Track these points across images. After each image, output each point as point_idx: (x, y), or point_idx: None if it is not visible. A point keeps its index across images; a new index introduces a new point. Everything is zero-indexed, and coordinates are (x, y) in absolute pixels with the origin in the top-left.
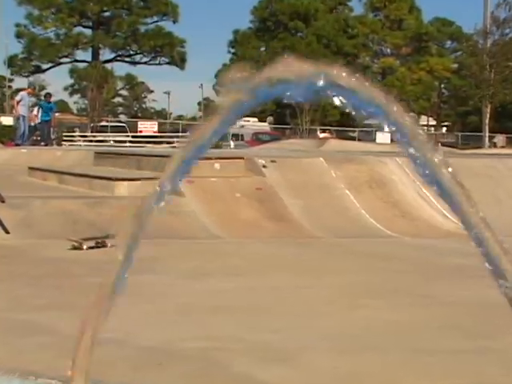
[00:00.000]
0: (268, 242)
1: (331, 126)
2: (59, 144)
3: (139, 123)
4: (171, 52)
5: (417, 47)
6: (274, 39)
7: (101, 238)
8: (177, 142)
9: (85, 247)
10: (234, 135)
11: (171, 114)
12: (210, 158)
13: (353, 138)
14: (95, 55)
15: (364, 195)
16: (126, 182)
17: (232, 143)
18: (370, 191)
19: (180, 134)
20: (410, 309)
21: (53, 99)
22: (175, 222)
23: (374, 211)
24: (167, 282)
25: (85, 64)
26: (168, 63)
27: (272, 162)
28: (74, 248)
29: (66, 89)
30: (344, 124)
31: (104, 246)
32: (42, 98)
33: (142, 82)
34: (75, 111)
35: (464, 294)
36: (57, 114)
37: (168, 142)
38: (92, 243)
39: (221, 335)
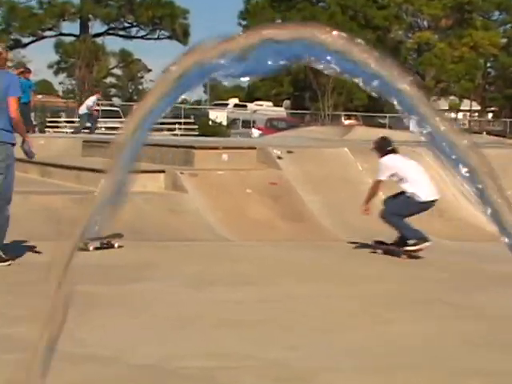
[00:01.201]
0: (282, 245)
1: (357, 111)
2: (42, 131)
3: (134, 107)
4: (172, 24)
5: (458, 19)
6: (292, 9)
7: (107, 237)
8: (179, 128)
9: (91, 248)
10: (244, 121)
11: None
12: (216, 148)
13: (383, 126)
14: (84, 28)
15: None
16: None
17: (255, 132)
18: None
19: (182, 120)
20: (447, 323)
21: (35, 78)
22: (176, 221)
23: None
24: (166, 290)
25: (72, 38)
26: (168, 37)
27: (288, 152)
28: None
29: (50, 67)
30: (372, 109)
31: (111, 246)
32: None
33: (139, 60)
34: (61, 93)
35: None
36: (39, 96)
37: (169, 130)
38: (97, 243)
39: (227, 352)
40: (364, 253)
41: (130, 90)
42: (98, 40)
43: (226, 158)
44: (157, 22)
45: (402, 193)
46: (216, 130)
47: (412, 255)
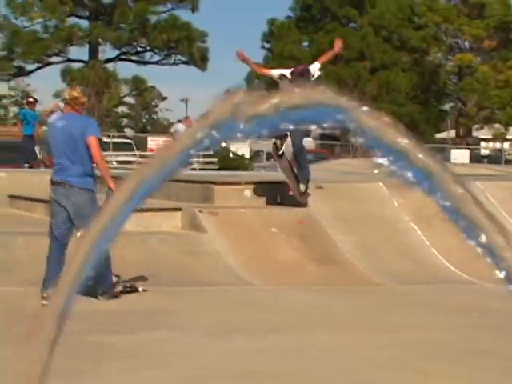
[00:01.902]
0: (312, 290)
1: None
2: (48, 165)
3: (149, 139)
4: (190, 48)
5: (503, 40)
6: (320, 31)
7: (130, 280)
8: (197, 162)
9: (119, 289)
10: (268, 153)
11: None
12: (238, 183)
13: None
14: (93, 53)
15: (435, 230)
16: (132, 214)
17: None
18: (442, 225)
19: (202, 153)
20: (494, 376)
21: (40, 108)
22: (194, 264)
23: (449, 250)
24: (184, 340)
25: (80, 64)
26: (185, 62)
27: (317, 188)
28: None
29: (56, 95)
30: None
31: (135, 290)
32: (25, 105)
33: (153, 87)
34: None
35: None
36: (45, 128)
37: None
38: (120, 287)
39: None
40: (402, 298)
41: (144, 120)
42: (109, 66)
43: (249, 195)
44: (172, 46)
45: None
46: (238, 163)
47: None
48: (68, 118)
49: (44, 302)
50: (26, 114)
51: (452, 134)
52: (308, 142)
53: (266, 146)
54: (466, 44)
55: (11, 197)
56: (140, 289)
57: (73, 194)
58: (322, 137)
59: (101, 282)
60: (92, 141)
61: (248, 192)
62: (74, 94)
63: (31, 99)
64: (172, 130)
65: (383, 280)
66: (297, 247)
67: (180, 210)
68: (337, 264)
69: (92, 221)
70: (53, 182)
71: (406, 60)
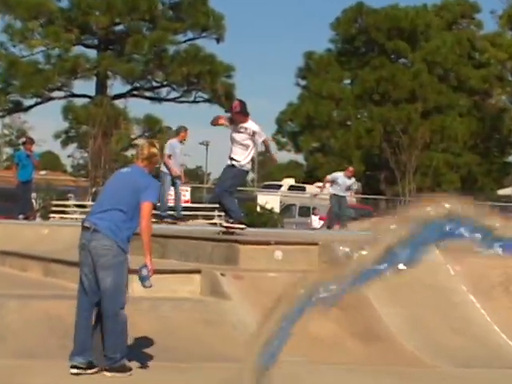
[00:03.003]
0: (352, 371)
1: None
2: (45, 217)
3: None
4: (213, 84)
5: None
6: (365, 67)
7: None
8: (218, 216)
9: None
10: (302, 208)
11: (210, 174)
12: (267, 243)
13: None
14: (101, 88)
15: (497, 303)
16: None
17: (316, 221)
18: (506, 298)
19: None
20: None
21: (37, 149)
22: (215, 336)
23: None
24: None
25: (85, 100)
26: (207, 100)
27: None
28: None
29: (57, 136)
30: (468, 193)
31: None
32: (20, 146)
33: (169, 128)
34: (69, 169)
35: None
36: (43, 172)
37: (205, 217)
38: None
39: None
40: (460, 383)
41: (157, 166)
42: (119, 103)
43: (280, 256)
44: (193, 82)
45: None
46: (266, 218)
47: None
48: (135, 171)
49: (73, 370)
50: (22, 157)
51: None
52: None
53: (300, 199)
54: None
55: (3, 253)
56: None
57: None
58: (365, 190)
59: (113, 353)
60: (146, 207)
61: (279, 253)
62: (154, 151)
63: (27, 139)
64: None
65: (436, 361)
66: (335, 320)
67: (199, 272)
68: (381, 341)
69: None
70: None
71: (464, 103)
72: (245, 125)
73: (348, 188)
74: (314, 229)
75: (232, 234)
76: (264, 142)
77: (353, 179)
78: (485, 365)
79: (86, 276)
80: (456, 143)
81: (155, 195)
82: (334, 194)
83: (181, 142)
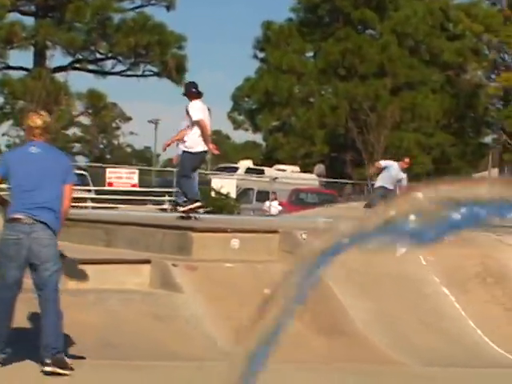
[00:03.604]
0: (315, 369)
1: (419, 180)
2: None
3: (108, 171)
4: (162, 56)
5: None
6: (329, 38)
7: (80, 351)
8: (169, 201)
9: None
10: (260, 193)
11: (159, 156)
12: (222, 231)
13: None
14: (40, 59)
15: (473, 296)
16: (87, 266)
17: (275, 208)
18: (482, 290)
19: (174, 189)
20: None
21: None
22: (165, 332)
23: (490, 323)
24: None
25: (23, 73)
26: (156, 74)
27: None
28: None
29: None
30: (440, 177)
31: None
32: None
33: (114, 104)
34: (4, 149)
35: None
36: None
37: (155, 203)
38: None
39: None
40: (430, 383)
41: (102, 146)
42: (59, 76)
43: (237, 245)
44: (141, 53)
45: None
46: (221, 204)
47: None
48: (43, 148)
49: None
50: None
51: (494, 173)
52: (311, 180)
53: (258, 183)
54: None
55: None
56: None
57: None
58: (329, 173)
59: (55, 341)
60: (70, 188)
61: (236, 242)
62: (48, 119)
63: None
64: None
65: (405, 359)
66: (297, 314)
67: (149, 262)
68: (347, 336)
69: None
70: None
71: (437, 78)
72: (187, 105)
73: (398, 182)
74: (273, 215)
75: (190, 218)
76: (197, 123)
77: (404, 174)
78: (458, 364)
79: (13, 270)
80: (428, 122)
81: (74, 174)
82: (382, 187)
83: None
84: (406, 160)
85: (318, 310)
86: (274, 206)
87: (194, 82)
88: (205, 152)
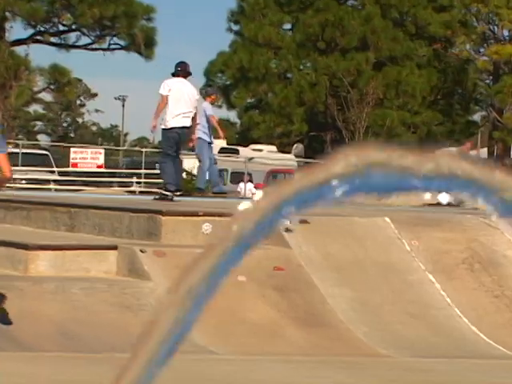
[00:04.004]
0: (292, 362)
1: None
2: None
3: (72, 151)
4: (130, 29)
5: None
6: (308, 9)
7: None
8: (137, 183)
9: None
10: (234, 174)
11: (127, 135)
12: (194, 214)
13: None
14: None
15: (460, 283)
16: (48, 252)
17: (250, 190)
18: (469, 276)
19: (142, 171)
20: None
21: None
22: (133, 322)
23: (478, 312)
24: None
25: None
26: (124, 48)
27: (302, 222)
28: None
29: None
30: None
31: None
32: None
33: (79, 80)
34: None
35: None
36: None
37: (122, 185)
38: None
39: None
40: (415, 376)
41: (65, 125)
42: (19, 50)
43: (209, 230)
44: (107, 25)
45: None
46: (193, 185)
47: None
48: None
49: None
50: None
51: (484, 152)
52: (288, 161)
53: (232, 163)
54: (505, 32)
55: None
56: None
57: None
58: (308, 153)
59: None
60: (6, 157)
61: (208, 226)
62: None
63: None
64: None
65: (389, 350)
66: (273, 303)
67: (115, 248)
68: (326, 327)
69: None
70: None
71: (423, 52)
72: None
73: None
74: (248, 198)
75: (163, 199)
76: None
77: None
78: (445, 354)
79: None
80: (413, 99)
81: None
82: None
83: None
84: (468, 144)
85: (294, 299)
86: (248, 189)
87: (182, 62)
88: (180, 128)
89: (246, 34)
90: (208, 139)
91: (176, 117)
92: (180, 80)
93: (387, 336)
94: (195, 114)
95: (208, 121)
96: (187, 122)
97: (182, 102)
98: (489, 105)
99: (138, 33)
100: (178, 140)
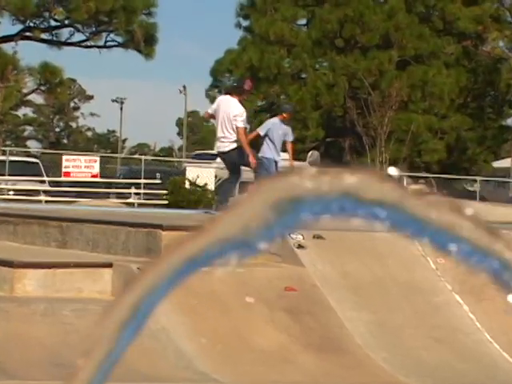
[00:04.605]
0: None
1: (429, 170)
2: None
3: (65, 158)
4: (128, 24)
5: None
6: (325, 3)
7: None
8: (136, 194)
9: None
10: (243, 183)
11: (125, 141)
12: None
13: (471, 195)
14: None
15: (490, 305)
16: (36, 271)
17: None
18: (501, 298)
19: (142, 180)
20: None
21: None
22: (132, 349)
23: (510, 337)
24: None
25: None
26: (121, 45)
27: (316, 238)
28: None
29: None
30: (454, 167)
31: None
32: None
33: (73, 80)
34: None
35: None
36: None
37: (120, 196)
38: None
39: None
40: None
41: (58, 130)
42: (7, 47)
43: None
44: (103, 21)
45: None
46: (197, 197)
47: None
48: None
49: None
50: None
51: None
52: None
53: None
54: None
55: None
56: None
57: None
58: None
59: None
60: None
61: None
62: None
63: None
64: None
65: (411, 378)
66: (284, 327)
67: (110, 266)
68: (343, 353)
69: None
70: None
71: (452, 50)
72: None
73: None
74: None
75: None
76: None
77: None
78: (474, 383)
79: None
80: (441, 102)
81: None
82: None
83: (282, 121)
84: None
85: (308, 322)
86: None
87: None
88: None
89: (256, 30)
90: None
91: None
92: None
93: (409, 362)
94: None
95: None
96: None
97: None
98: None
99: (138, 29)
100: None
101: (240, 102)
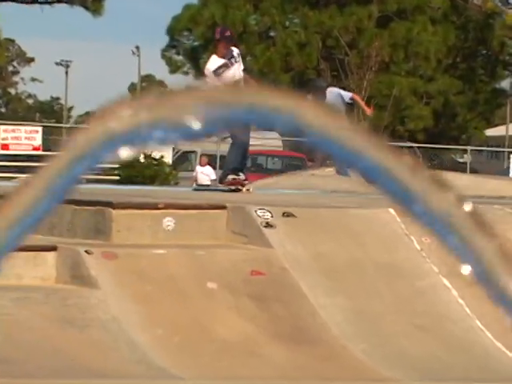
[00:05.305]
0: None
1: (415, 140)
2: None
3: (2, 129)
4: None
5: None
6: None
7: None
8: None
9: None
10: (205, 156)
11: (72, 109)
12: (154, 207)
13: (460, 167)
14: None
15: (481, 290)
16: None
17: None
18: None
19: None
20: None
21: None
22: (77, 341)
23: (504, 324)
24: None
25: None
26: (66, 1)
27: (285, 216)
28: None
29: None
30: (442, 137)
31: None
32: None
33: (11, 41)
34: None
35: None
36: None
37: None
38: None
39: None
40: None
41: None
42: None
43: (171, 226)
44: None
45: None
46: (153, 171)
47: None
48: None
49: None
50: None
51: None
52: (272, 140)
53: (202, 144)
54: None
55: None
56: None
57: None
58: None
59: None
60: None
61: (170, 222)
62: None
63: None
64: None
65: (394, 371)
66: (250, 315)
67: (54, 249)
68: (316, 344)
69: None
70: None
71: (438, 4)
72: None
73: None
74: (204, 185)
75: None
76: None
77: None
78: (463, 377)
79: None
80: (426, 62)
81: None
82: None
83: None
84: None
85: (276, 310)
86: (205, 173)
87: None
88: None
89: None
90: None
91: None
92: None
93: (390, 353)
94: None
95: None
96: None
97: None
98: None
99: None
100: None
101: (222, 55)
